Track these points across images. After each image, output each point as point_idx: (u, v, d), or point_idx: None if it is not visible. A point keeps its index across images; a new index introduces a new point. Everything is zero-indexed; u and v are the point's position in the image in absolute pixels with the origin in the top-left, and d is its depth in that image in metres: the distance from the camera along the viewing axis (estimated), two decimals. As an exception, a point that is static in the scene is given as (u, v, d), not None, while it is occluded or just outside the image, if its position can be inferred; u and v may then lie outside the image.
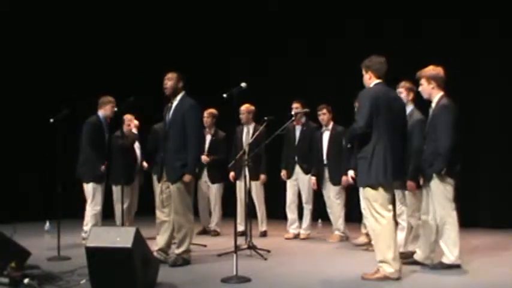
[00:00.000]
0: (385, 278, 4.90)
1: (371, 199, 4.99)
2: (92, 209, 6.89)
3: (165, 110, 6.00)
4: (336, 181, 7.36)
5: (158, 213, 5.95)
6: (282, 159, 7.84)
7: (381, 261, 4.94)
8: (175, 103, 5.89)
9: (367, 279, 4.98)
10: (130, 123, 7.52)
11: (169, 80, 5.88)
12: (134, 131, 7.58)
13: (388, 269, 4.91)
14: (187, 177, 5.75)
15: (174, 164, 5.76)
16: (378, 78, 5.10)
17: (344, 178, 7.25)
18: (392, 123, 4.99)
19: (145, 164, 7.70)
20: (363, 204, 6.64)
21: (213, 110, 7.97)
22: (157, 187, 5.99)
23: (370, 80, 5.12)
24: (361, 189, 6.53)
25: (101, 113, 7.10)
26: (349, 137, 5.31)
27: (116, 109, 6.92)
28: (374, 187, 4.96)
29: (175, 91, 5.89)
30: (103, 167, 6.93)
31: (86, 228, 7.08)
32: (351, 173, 6.75)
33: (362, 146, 5.00)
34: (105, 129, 7.09)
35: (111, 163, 7.18)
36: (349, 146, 5.33)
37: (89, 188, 6.93)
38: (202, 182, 8.04)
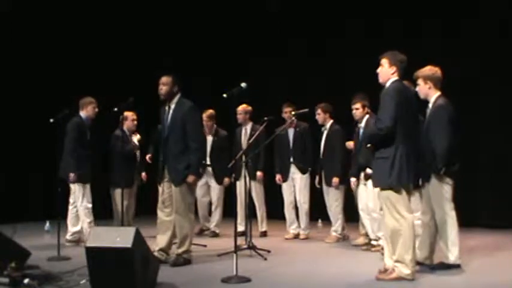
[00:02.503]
0: (400, 279, 4.88)
1: (393, 200, 4.90)
2: (84, 208, 6.91)
3: (162, 112, 6.00)
4: (329, 182, 7.37)
5: (159, 213, 5.95)
6: (276, 164, 7.86)
7: (398, 262, 4.91)
8: (172, 106, 5.89)
9: (382, 280, 4.95)
10: (134, 119, 7.48)
11: (165, 85, 5.86)
12: (136, 139, 7.53)
13: (405, 270, 4.88)
14: (191, 178, 5.78)
15: (177, 166, 5.77)
16: (399, 76, 5.01)
17: (335, 180, 7.25)
18: (413, 122, 4.97)
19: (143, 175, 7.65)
20: (361, 206, 6.69)
21: (211, 111, 7.96)
22: (159, 188, 5.99)
23: (392, 75, 4.99)
24: (363, 190, 6.57)
25: (83, 114, 7.11)
26: (371, 138, 5.12)
27: (115, 109, 6.91)
28: (397, 188, 4.90)
29: (171, 95, 5.88)
30: (72, 175, 6.87)
31: (73, 229, 7.10)
32: (353, 180, 6.76)
33: (383, 146, 4.90)
34: (88, 130, 7.11)
35: (111, 166, 7.15)
36: (368, 145, 5.15)
37: (76, 188, 6.94)
38: (201, 183, 8.03)
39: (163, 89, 5.87)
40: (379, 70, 5.08)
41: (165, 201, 5.89)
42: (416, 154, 5.01)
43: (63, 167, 6.96)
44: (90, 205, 6.97)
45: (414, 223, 5.00)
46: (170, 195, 5.85)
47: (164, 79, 5.89)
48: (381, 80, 5.08)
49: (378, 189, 5.12)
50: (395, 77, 5.00)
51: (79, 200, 6.94)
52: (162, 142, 5.92)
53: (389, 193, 4.92)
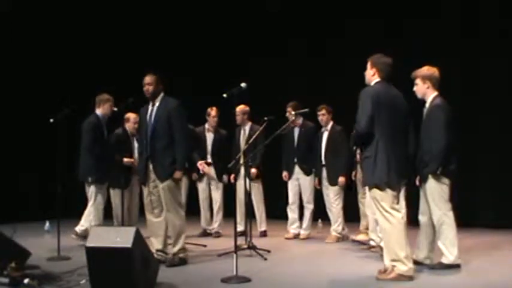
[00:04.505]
0: (400, 277, 4.88)
1: (379, 199, 4.96)
2: (96, 208, 6.90)
3: (143, 111, 5.99)
4: (333, 181, 7.37)
5: (148, 215, 5.93)
6: (282, 161, 7.87)
7: (394, 260, 4.92)
8: (157, 104, 5.89)
9: (382, 280, 4.95)
10: (136, 122, 7.44)
11: (150, 85, 5.86)
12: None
13: (402, 267, 4.89)
14: (178, 174, 5.78)
15: (163, 162, 5.77)
16: (381, 78, 5.07)
17: (341, 179, 7.27)
18: (395, 122, 4.97)
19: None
20: (367, 203, 6.68)
21: (217, 109, 7.97)
22: (144, 189, 5.97)
23: (373, 77, 5.08)
24: (366, 189, 6.58)
25: (99, 111, 7.07)
26: (353, 139, 5.23)
27: (115, 109, 6.91)
28: (381, 186, 4.95)
29: (156, 94, 5.89)
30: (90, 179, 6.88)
31: (86, 224, 7.08)
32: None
33: (366, 146, 4.99)
34: (105, 128, 7.08)
35: (109, 165, 7.17)
36: (354, 148, 5.27)
37: (91, 188, 6.94)
38: (203, 183, 8.04)
39: (149, 89, 5.86)
40: (365, 72, 5.19)
41: (153, 203, 5.87)
42: (401, 153, 5.01)
43: (81, 169, 6.94)
44: (101, 207, 6.96)
45: (402, 220, 4.99)
46: (158, 195, 5.84)
47: (148, 79, 5.88)
48: (366, 81, 5.18)
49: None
50: (376, 79, 5.08)
51: (92, 200, 6.92)
52: (146, 140, 5.88)
53: (375, 191, 4.98)
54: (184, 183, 7.16)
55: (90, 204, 6.96)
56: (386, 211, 4.94)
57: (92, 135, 6.91)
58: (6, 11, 9.20)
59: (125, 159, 7.22)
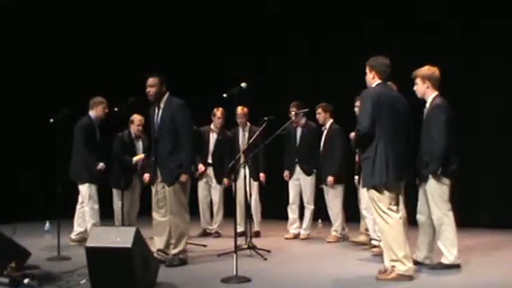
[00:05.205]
0: (400, 277, 4.88)
1: (376, 199, 4.97)
2: (91, 208, 6.92)
3: (151, 112, 6.00)
4: (326, 181, 7.38)
5: (154, 214, 5.95)
6: (284, 160, 7.86)
7: (393, 260, 4.92)
8: (162, 105, 5.87)
9: (382, 280, 4.95)
10: (140, 124, 7.48)
11: (153, 87, 5.83)
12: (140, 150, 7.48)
13: (402, 267, 4.89)
14: (184, 177, 5.77)
15: (169, 165, 5.77)
16: (381, 79, 5.09)
17: (329, 178, 7.26)
18: (395, 123, 4.98)
19: (146, 176, 7.28)
20: (364, 205, 6.69)
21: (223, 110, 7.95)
22: (152, 189, 5.98)
23: (373, 80, 5.10)
24: (364, 190, 6.58)
25: (93, 113, 7.14)
26: (355, 141, 5.24)
27: (116, 109, 6.91)
28: (378, 187, 4.95)
29: (160, 95, 5.87)
30: (101, 164, 6.99)
31: (79, 229, 7.13)
32: (356, 177, 6.77)
33: (366, 147, 4.99)
34: (97, 129, 7.13)
35: (110, 165, 7.18)
36: (357, 150, 5.28)
37: (84, 188, 6.96)
38: (202, 183, 8.04)
39: (151, 91, 5.84)
40: (366, 77, 5.19)
41: (160, 202, 5.89)
42: (400, 154, 5.00)
43: (72, 168, 6.98)
44: (96, 206, 6.99)
45: (400, 220, 4.99)
46: (164, 195, 5.85)
47: (151, 81, 5.85)
48: (367, 86, 5.18)
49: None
50: (377, 81, 5.10)
51: (86, 201, 6.96)
52: (153, 142, 5.92)
53: (373, 192, 4.99)
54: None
55: (84, 204, 6.99)
56: (383, 212, 4.95)
57: (84, 136, 6.98)
58: (4, 4, 9.16)
59: (134, 158, 7.31)
